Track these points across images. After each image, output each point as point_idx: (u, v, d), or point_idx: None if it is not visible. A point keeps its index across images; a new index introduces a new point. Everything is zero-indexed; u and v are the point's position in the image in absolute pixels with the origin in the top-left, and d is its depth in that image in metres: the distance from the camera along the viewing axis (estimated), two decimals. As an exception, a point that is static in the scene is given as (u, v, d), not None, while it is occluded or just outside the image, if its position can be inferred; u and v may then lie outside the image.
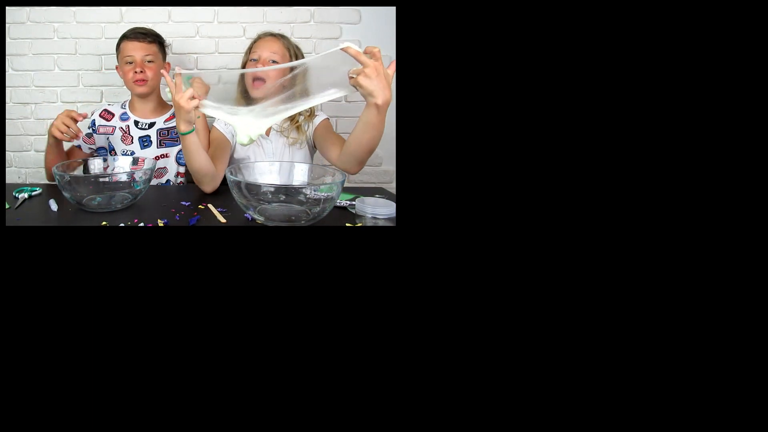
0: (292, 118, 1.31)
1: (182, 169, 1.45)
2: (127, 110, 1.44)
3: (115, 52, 1.43)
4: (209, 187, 1.17)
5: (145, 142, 1.42)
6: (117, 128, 1.42)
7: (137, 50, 1.37)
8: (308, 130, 1.34)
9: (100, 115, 1.43)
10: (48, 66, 1.72)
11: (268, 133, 1.33)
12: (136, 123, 1.43)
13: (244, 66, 1.33)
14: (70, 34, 1.70)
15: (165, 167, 1.43)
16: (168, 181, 1.44)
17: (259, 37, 1.32)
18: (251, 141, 1.03)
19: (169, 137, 1.43)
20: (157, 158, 1.41)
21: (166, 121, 1.43)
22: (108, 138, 1.42)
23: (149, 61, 1.38)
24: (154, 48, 1.39)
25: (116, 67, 1.44)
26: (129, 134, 1.42)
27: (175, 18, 1.71)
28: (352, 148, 1.08)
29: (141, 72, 1.36)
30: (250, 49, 1.31)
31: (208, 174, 1.14)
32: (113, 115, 1.44)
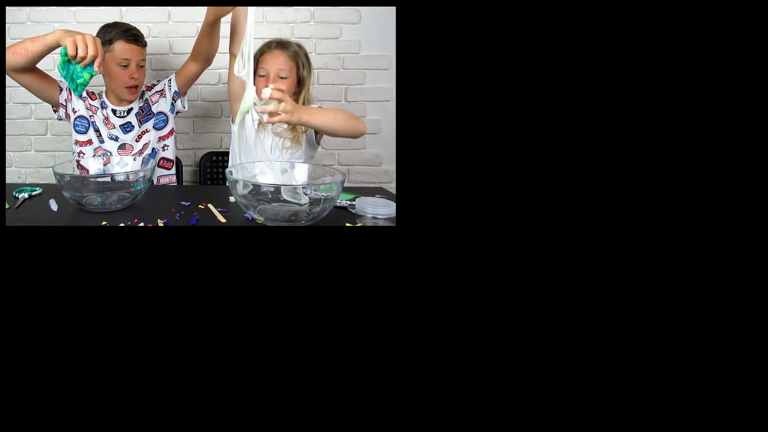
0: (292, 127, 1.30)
1: (162, 133, 1.45)
2: (105, 99, 1.43)
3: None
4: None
5: (126, 128, 1.41)
6: (99, 110, 1.41)
7: (134, 54, 1.33)
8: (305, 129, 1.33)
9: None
10: (48, 66, 1.71)
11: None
12: (114, 111, 1.42)
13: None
14: (70, 34, 1.69)
15: (148, 141, 1.43)
16: (153, 150, 1.43)
17: (266, 49, 1.31)
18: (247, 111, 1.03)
19: (144, 114, 1.42)
20: (140, 137, 1.41)
21: (139, 100, 1.42)
22: (92, 115, 1.40)
23: (141, 66, 1.35)
24: (145, 52, 1.37)
25: None
26: (110, 121, 1.41)
27: (175, 18, 1.71)
28: None
29: (135, 78, 1.33)
30: (257, 60, 1.30)
31: None
32: (97, 97, 1.42)
